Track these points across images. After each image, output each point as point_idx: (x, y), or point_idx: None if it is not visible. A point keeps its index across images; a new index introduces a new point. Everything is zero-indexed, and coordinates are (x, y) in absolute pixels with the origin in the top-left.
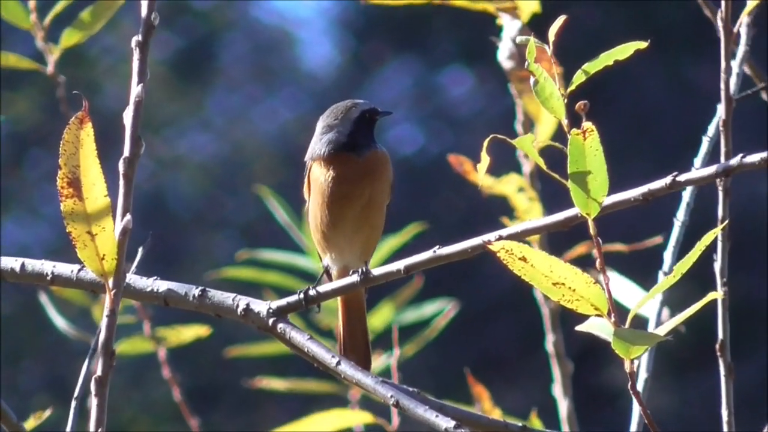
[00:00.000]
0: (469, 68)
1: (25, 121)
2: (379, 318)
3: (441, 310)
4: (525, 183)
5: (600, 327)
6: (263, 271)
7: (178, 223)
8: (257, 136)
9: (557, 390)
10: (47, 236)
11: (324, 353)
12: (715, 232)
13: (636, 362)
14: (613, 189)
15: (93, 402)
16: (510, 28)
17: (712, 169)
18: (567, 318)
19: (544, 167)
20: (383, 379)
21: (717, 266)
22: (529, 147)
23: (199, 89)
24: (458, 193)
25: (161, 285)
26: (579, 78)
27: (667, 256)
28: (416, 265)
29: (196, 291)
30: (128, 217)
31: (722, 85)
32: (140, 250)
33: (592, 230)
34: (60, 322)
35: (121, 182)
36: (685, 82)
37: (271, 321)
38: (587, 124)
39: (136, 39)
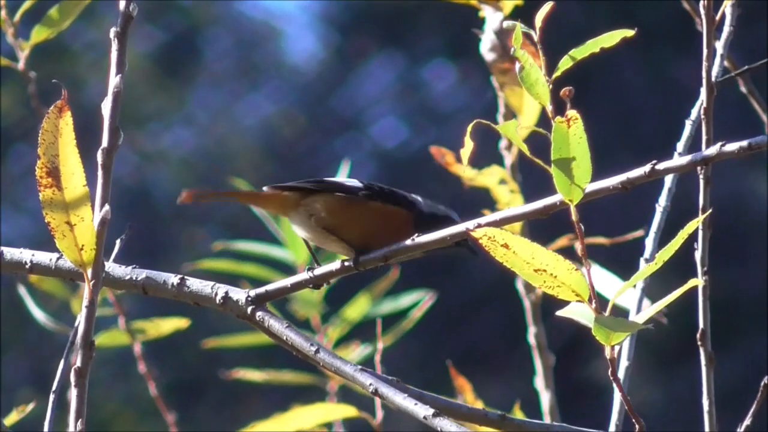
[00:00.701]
0: (453, 63)
1: (8, 116)
2: (355, 309)
3: (418, 301)
4: (506, 175)
5: (581, 313)
6: (240, 262)
7: (161, 217)
8: (240, 131)
9: (539, 382)
10: (30, 230)
11: (302, 341)
12: (697, 222)
13: (617, 348)
14: (595, 181)
15: (73, 394)
16: (492, 20)
17: (690, 158)
18: (549, 311)
19: (527, 152)
20: (362, 367)
21: (698, 255)
22: (513, 133)
23: (182, 83)
24: (441, 187)
25: (140, 273)
26: (565, 63)
27: (649, 242)
28: (396, 252)
29: (174, 279)
30: (107, 207)
31: (704, 73)
32: (118, 241)
33: (574, 216)
34: (39, 315)
35: (100, 173)
36: (667, 79)
37: (249, 309)
38: (571, 112)
39: (114, 30)
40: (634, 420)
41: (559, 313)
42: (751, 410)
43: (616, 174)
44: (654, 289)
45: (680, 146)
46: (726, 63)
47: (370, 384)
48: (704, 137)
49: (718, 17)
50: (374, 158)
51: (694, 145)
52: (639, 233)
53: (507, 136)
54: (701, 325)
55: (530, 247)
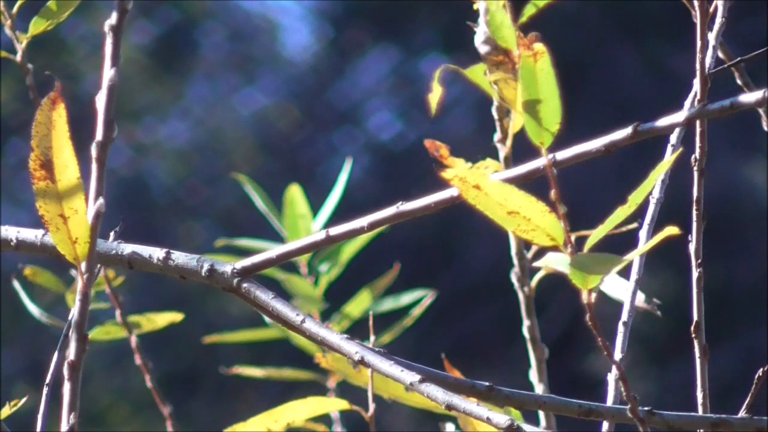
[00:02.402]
0: (448, 56)
1: (5, 108)
2: (356, 306)
3: (419, 299)
4: (501, 168)
5: (557, 261)
6: (241, 259)
7: (157, 210)
8: (235, 123)
9: (533, 375)
10: (27, 223)
11: (288, 311)
12: (658, 172)
13: (593, 296)
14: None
15: (66, 387)
16: (487, 11)
17: (675, 118)
18: (544, 304)
19: (495, 96)
20: (348, 336)
21: (692, 247)
22: (480, 77)
23: (177, 76)
24: (435, 180)
25: (126, 248)
26: (529, 10)
27: (643, 234)
28: (380, 221)
29: (160, 253)
30: (101, 200)
31: (698, 65)
32: (112, 234)
33: (546, 160)
34: (34, 309)
35: (94, 166)
36: (662, 70)
37: (235, 281)
38: (538, 46)
39: (109, 23)
40: (624, 390)
41: (536, 263)
42: (746, 402)
43: (612, 163)
44: (651, 284)
45: (673, 138)
46: (721, 54)
47: (356, 352)
48: (698, 129)
49: (711, 9)
50: (369, 151)
51: (686, 137)
52: (633, 225)
53: (475, 80)
54: (695, 316)
55: (503, 189)
